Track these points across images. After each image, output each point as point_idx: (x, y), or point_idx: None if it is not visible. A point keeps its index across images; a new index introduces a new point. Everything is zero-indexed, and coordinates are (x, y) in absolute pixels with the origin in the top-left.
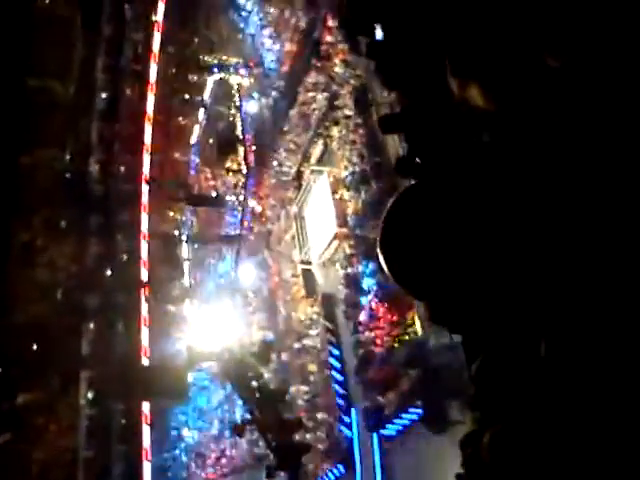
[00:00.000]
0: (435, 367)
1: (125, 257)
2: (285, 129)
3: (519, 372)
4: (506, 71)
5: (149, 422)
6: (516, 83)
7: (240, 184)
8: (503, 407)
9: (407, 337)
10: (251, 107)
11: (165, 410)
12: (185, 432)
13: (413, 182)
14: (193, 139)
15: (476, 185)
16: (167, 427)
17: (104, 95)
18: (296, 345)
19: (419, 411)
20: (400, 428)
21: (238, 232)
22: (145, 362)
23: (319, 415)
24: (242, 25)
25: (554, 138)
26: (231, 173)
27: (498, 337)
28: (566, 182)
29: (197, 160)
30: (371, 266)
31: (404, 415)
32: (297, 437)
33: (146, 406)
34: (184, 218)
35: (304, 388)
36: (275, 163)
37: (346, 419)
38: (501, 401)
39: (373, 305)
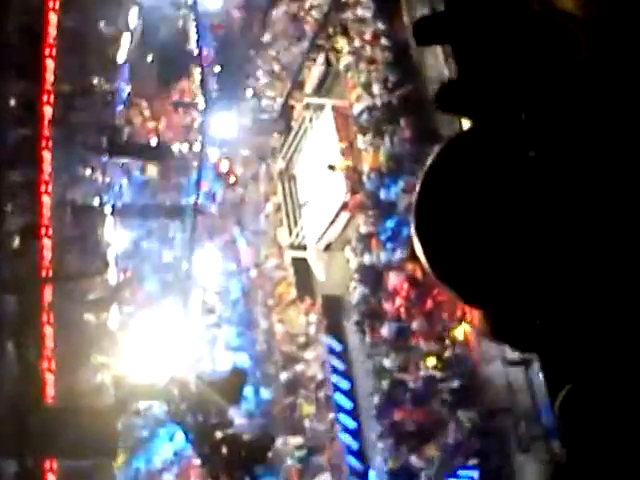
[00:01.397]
0: (497, 407)
1: (17, 241)
2: (265, 40)
3: (628, 408)
4: None
5: None
6: None
7: (195, 126)
8: (606, 462)
9: (455, 360)
10: (211, 4)
11: (83, 474)
12: None
13: (466, 124)
14: (121, 57)
15: (567, 129)
16: None
17: None
18: (284, 375)
19: (474, 474)
20: None
21: (192, 201)
22: (50, 401)
23: None
24: None
25: None
26: (181, 109)
27: (595, 357)
28: None
29: (128, 89)
30: (400, 252)
31: None
32: None
33: (52, 467)
34: (108, 179)
35: (296, 440)
36: (249, 93)
37: None
38: (603, 453)
39: (403, 312)
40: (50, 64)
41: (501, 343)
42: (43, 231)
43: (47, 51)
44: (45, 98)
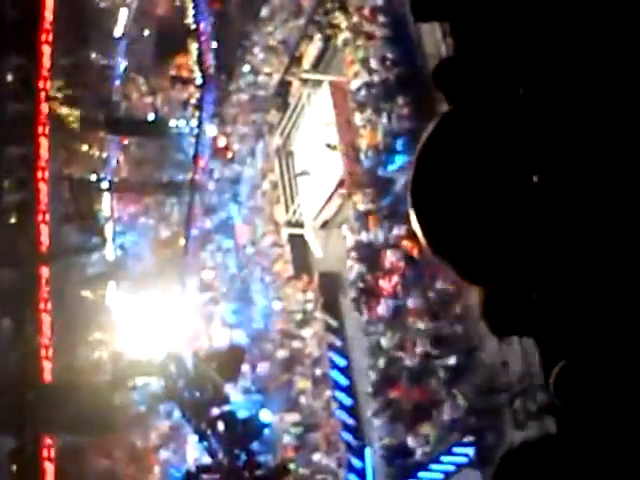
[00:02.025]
0: (493, 384)
1: (13, 216)
2: (263, 15)
3: (621, 384)
4: None
5: (55, 469)
6: None
7: (192, 101)
8: (599, 437)
9: (454, 337)
10: None
11: (80, 451)
12: None
13: (463, 100)
14: (118, 31)
15: (565, 105)
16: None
17: None
18: (280, 352)
19: (469, 451)
20: (440, 477)
21: (189, 177)
22: (47, 378)
23: (316, 457)
24: None
25: None
26: (178, 84)
27: (589, 333)
28: None
29: (125, 64)
30: (397, 230)
31: (446, 458)
32: None
33: (50, 445)
34: (105, 154)
35: (293, 417)
36: (247, 69)
37: (356, 463)
38: (597, 428)
39: (400, 290)
40: (47, 50)
41: (495, 329)
42: (40, 217)
43: (43, 37)
44: (42, 84)
